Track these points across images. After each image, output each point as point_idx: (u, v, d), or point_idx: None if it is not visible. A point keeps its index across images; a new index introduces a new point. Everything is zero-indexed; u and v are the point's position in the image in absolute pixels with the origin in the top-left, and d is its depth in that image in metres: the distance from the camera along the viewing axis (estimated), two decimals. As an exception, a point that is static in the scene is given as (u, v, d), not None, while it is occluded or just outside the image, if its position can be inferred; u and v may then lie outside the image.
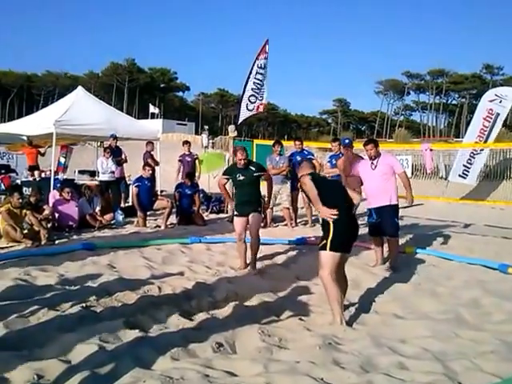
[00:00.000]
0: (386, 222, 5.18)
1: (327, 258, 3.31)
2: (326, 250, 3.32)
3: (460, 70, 71.29)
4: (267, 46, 9.26)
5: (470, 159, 13.88)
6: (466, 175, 13.94)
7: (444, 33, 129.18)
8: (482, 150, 13.85)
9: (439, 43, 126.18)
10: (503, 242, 6.98)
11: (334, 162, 7.55)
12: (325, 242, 3.34)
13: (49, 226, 6.23)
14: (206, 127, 34.23)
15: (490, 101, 13.68)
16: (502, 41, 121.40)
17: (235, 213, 5.11)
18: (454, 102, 77.35)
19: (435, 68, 71.77)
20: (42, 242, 5.81)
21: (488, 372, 2.51)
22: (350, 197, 3.54)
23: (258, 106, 9.33)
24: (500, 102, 13.50)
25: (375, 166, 5.24)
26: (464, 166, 13.95)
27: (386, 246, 5.39)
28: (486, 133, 13.57)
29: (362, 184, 6.44)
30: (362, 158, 6.92)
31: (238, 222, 4.98)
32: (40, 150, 10.94)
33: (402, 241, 6.43)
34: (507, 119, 26.07)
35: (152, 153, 9.69)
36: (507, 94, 13.76)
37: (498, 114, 13.49)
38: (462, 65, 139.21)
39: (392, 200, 5.17)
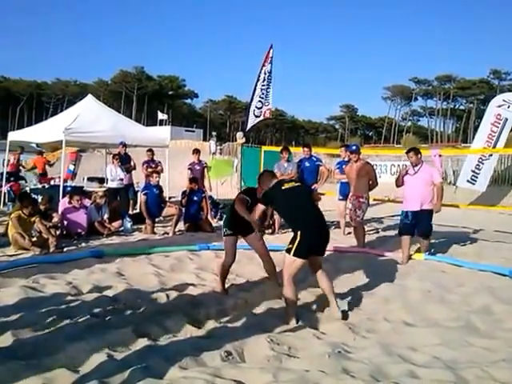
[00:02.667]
0: (421, 224, 5.76)
1: (289, 261, 3.54)
2: (290, 254, 3.52)
3: (467, 76, 71.35)
4: (271, 51, 9.32)
5: (478, 165, 13.76)
6: (475, 181, 13.81)
7: (451, 38, 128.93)
8: (490, 155, 13.73)
9: (447, 49, 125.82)
10: (514, 248, 6.89)
11: (344, 167, 7.59)
12: (290, 246, 3.53)
13: (57, 233, 6.26)
14: (214, 134, 34.42)
15: (498, 106, 13.58)
16: (510, 46, 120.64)
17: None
18: (461, 107, 77.10)
19: (443, 73, 71.70)
20: (51, 250, 5.84)
21: (500, 381, 2.47)
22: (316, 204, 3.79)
23: (265, 112, 9.38)
24: (508, 107, 13.39)
25: (416, 173, 5.79)
26: (472, 171, 13.83)
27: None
28: (494, 138, 13.45)
29: (370, 189, 6.55)
30: (370, 165, 6.95)
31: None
32: (49, 160, 11.08)
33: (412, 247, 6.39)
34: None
35: (155, 159, 9.67)
36: (515, 99, 13.65)
37: (507, 120, 13.37)
38: (469, 70, 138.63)
39: (429, 205, 5.73)
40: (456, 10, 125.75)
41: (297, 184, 3.85)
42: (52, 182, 10.50)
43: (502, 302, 4.00)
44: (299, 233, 3.50)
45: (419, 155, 5.87)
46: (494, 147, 13.21)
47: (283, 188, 3.73)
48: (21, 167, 11.36)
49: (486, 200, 13.54)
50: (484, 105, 51.58)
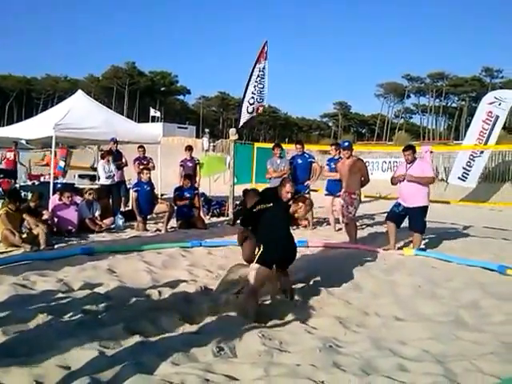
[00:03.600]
0: (415, 220, 5.93)
1: (253, 268, 3.61)
2: (255, 260, 3.65)
3: (460, 73, 71.71)
4: (266, 48, 9.30)
5: (469, 162, 13.91)
6: (466, 178, 13.96)
7: (444, 36, 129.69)
8: (481, 152, 13.87)
9: (439, 46, 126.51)
10: (502, 244, 6.99)
11: (333, 165, 7.64)
12: (257, 253, 3.67)
13: (44, 230, 6.14)
14: (207, 130, 34.27)
15: (490, 103, 13.73)
16: (502, 44, 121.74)
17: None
18: (453, 104, 77.69)
19: (435, 71, 72.10)
20: (41, 247, 5.80)
21: (488, 373, 2.51)
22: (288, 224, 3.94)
23: (258, 108, 9.37)
24: (499, 104, 13.55)
25: (408, 170, 5.93)
26: (463, 168, 13.98)
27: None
28: (485, 135, 13.60)
29: (362, 185, 6.63)
30: (363, 161, 7.01)
31: None
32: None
33: (400, 243, 6.46)
34: (506, 122, 26.08)
35: (146, 156, 9.64)
36: (506, 96, 13.81)
37: (498, 117, 13.53)
38: (461, 68, 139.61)
39: (422, 202, 5.88)
40: (448, 8, 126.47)
41: (269, 205, 3.91)
42: (42, 179, 10.40)
43: (491, 297, 4.06)
44: (261, 246, 3.66)
45: (415, 153, 6.10)
46: (486, 144, 13.35)
47: (256, 209, 3.91)
48: (19, 164, 11.23)
49: (476, 196, 13.71)
50: (476, 102, 51.94)
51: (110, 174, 8.78)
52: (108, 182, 8.81)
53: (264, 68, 9.25)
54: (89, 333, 2.97)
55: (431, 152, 8.99)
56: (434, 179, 6.26)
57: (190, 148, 9.75)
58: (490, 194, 14.82)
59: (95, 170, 10.95)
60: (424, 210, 5.95)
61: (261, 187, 6.70)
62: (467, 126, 28.55)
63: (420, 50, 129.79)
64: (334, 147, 8.10)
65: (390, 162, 14.50)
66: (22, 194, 8.76)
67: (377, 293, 4.24)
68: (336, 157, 7.86)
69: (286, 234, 3.84)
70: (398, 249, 6.15)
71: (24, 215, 6.00)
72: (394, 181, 6.21)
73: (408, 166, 6.01)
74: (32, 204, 6.47)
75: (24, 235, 5.90)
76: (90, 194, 7.50)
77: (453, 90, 72.44)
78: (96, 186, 9.14)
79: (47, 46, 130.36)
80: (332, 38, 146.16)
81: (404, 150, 6.10)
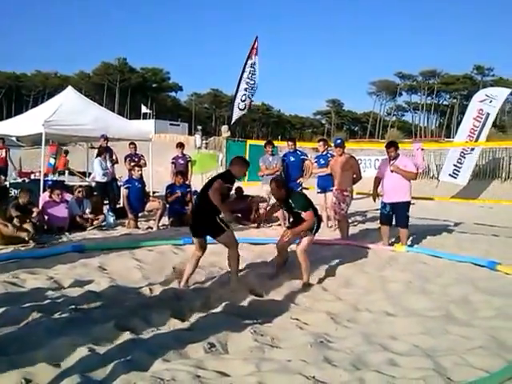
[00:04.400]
0: (399, 215, 6.09)
1: None
2: None
3: (451, 71, 72.06)
4: (257, 43, 9.29)
5: (460, 159, 14.01)
6: (457, 175, 14.07)
7: (436, 34, 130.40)
8: (472, 149, 13.98)
9: (431, 44, 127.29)
10: (492, 240, 7.07)
11: (322, 161, 7.68)
12: None
13: (30, 228, 6.08)
14: (200, 127, 34.09)
15: (481, 101, 13.82)
16: (493, 42, 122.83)
17: None
18: (445, 102, 78.10)
19: (427, 69, 72.42)
20: (26, 238, 5.80)
21: (477, 367, 2.55)
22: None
23: (249, 104, 9.38)
24: (490, 102, 13.65)
25: (390, 166, 6.00)
26: (454, 165, 14.08)
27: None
28: (476, 132, 13.70)
29: (354, 182, 6.67)
30: (355, 159, 7.03)
31: None
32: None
33: (392, 239, 6.50)
34: (496, 119, 26.36)
35: (138, 153, 9.57)
36: (497, 94, 13.92)
37: (488, 114, 13.63)
38: (453, 66, 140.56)
39: (405, 197, 6.00)
40: (440, 6, 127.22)
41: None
42: (32, 177, 10.30)
43: (480, 292, 4.11)
44: None
45: (398, 149, 6.17)
46: (476, 141, 13.46)
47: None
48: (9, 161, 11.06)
49: (467, 193, 13.82)
50: (467, 100, 52.26)
51: (106, 171, 8.66)
52: (104, 179, 8.68)
53: (255, 64, 9.24)
54: (79, 330, 2.96)
55: (422, 149, 9.04)
56: (417, 175, 6.31)
57: (181, 145, 9.69)
58: (480, 191, 14.95)
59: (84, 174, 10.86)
60: (407, 204, 6.07)
61: (253, 185, 6.71)
62: (458, 123, 28.78)
63: (412, 48, 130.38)
64: (322, 143, 8.06)
65: (382, 160, 14.59)
66: (12, 192, 8.69)
67: (368, 288, 4.27)
68: (324, 153, 7.87)
69: (195, 207, 4.50)
70: (390, 245, 6.20)
71: (12, 212, 5.94)
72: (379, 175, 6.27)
73: (391, 162, 6.09)
74: (21, 201, 6.40)
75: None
76: (79, 191, 7.43)
77: (444, 88, 72.88)
78: (86, 184, 9.04)
79: (37, 42, 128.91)
80: (325, 36, 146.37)
81: (387, 147, 6.15)
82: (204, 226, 4.21)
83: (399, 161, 6.05)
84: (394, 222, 6.30)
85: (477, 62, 71.32)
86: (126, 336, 2.91)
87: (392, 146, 6.15)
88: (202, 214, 4.19)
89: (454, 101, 73.05)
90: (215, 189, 3.97)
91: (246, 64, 9.11)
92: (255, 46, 9.20)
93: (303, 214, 4.34)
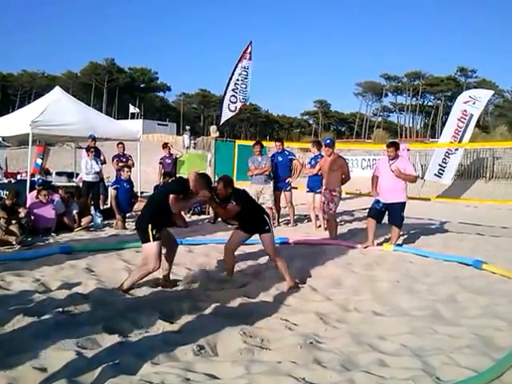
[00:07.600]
0: (394, 214, 6.09)
1: None
2: None
3: (436, 73, 73.00)
4: (250, 48, 9.28)
5: (445, 159, 14.24)
6: (442, 174, 14.29)
7: (420, 36, 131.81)
8: (456, 149, 14.22)
9: (416, 46, 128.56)
10: (477, 239, 7.18)
11: (314, 163, 7.76)
12: None
13: (17, 231, 5.95)
14: (188, 128, 33.88)
15: (465, 102, 14.06)
16: (476, 44, 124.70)
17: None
18: (429, 103, 79.05)
19: (412, 70, 73.29)
20: (14, 242, 5.71)
21: (464, 366, 2.58)
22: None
23: (241, 107, 9.39)
24: (474, 103, 13.89)
25: (391, 166, 6.01)
26: (439, 165, 14.30)
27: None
28: (460, 133, 13.93)
29: (342, 182, 6.72)
30: (343, 159, 7.09)
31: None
32: None
33: (380, 239, 6.57)
34: (480, 120, 26.80)
35: (126, 153, 9.49)
36: (480, 95, 14.19)
37: (472, 115, 13.87)
38: (437, 67, 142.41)
39: (401, 198, 6.05)
40: (425, 9, 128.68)
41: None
42: (18, 177, 10.12)
43: (466, 291, 4.16)
44: None
45: (398, 150, 6.18)
46: (460, 142, 13.68)
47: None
48: None
49: (452, 193, 14.03)
50: (451, 101, 53.08)
51: (92, 170, 8.62)
52: (90, 178, 8.64)
53: (247, 68, 9.24)
54: (66, 333, 2.91)
55: (408, 150, 9.16)
56: (417, 178, 6.38)
57: (166, 145, 9.83)
58: (465, 190, 15.20)
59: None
60: (403, 205, 6.13)
61: (242, 185, 6.70)
62: (443, 124, 29.18)
63: (397, 50, 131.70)
64: (313, 146, 8.12)
65: (369, 160, 14.74)
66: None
67: (356, 288, 4.29)
68: (317, 153, 7.92)
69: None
70: (378, 245, 6.24)
71: None
72: (377, 173, 6.28)
73: (390, 162, 6.08)
74: (8, 202, 6.29)
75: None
76: (66, 192, 7.34)
77: (429, 89, 73.79)
78: (73, 184, 8.94)
79: (24, 42, 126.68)
80: (312, 37, 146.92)
81: (388, 147, 6.17)
82: (137, 228, 4.33)
83: (399, 162, 6.05)
84: (381, 222, 6.34)
85: (460, 63, 72.34)
86: (114, 339, 2.88)
87: (392, 146, 6.15)
88: (141, 215, 4.35)
89: (439, 102, 74.01)
90: (172, 203, 4.02)
91: (236, 66, 9.10)
92: (248, 51, 9.20)
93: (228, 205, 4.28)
